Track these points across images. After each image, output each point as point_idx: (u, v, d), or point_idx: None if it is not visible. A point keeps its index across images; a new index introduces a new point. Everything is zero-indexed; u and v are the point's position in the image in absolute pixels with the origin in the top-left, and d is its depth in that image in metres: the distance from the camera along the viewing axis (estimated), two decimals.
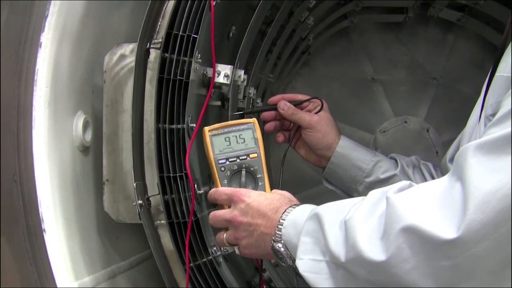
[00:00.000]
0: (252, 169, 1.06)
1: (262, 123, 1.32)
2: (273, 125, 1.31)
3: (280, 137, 1.33)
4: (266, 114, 1.30)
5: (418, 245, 0.71)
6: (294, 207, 0.95)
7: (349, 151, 1.30)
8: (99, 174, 1.26)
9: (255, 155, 1.07)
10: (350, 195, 1.33)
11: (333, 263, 0.83)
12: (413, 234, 0.71)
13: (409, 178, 1.30)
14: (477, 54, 2.28)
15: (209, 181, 1.33)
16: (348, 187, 1.34)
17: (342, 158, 1.30)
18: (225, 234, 1.03)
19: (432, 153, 2.27)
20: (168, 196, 1.19)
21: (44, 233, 1.04)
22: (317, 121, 1.28)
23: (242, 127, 1.09)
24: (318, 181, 1.44)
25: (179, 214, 1.19)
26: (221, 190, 1.03)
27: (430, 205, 0.72)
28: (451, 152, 1.23)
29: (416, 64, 2.33)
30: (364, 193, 1.25)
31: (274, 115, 1.30)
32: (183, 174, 1.18)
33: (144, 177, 1.25)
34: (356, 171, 1.31)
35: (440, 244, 0.69)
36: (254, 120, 1.10)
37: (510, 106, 0.73)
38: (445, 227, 0.69)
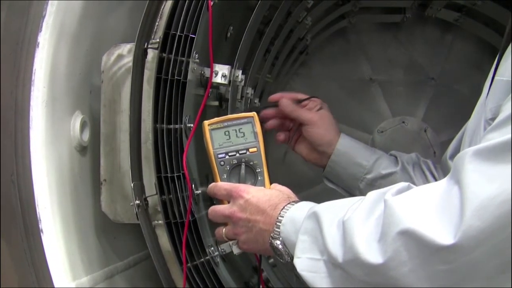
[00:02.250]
0: (251, 163, 1.06)
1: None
2: (274, 123, 1.31)
3: (281, 136, 1.34)
4: (266, 112, 1.30)
5: (415, 249, 0.71)
6: (293, 204, 0.95)
7: (349, 149, 1.31)
8: (97, 174, 1.25)
9: (255, 149, 1.07)
10: (351, 193, 1.34)
11: (331, 262, 0.83)
12: (410, 238, 0.71)
13: (409, 175, 1.31)
14: (475, 54, 2.27)
15: (207, 181, 1.33)
16: (349, 184, 1.34)
17: (343, 155, 1.31)
18: (224, 229, 1.04)
19: (430, 153, 2.26)
20: (166, 196, 1.19)
21: (41, 234, 1.04)
22: (318, 117, 1.29)
23: (242, 121, 1.09)
24: (317, 181, 1.44)
25: (176, 214, 1.19)
26: (221, 185, 1.04)
27: (427, 209, 0.72)
28: (451, 149, 1.23)
29: (414, 65, 2.33)
30: (365, 190, 1.25)
31: (274, 114, 1.30)
32: (181, 174, 1.18)
33: (142, 177, 1.24)
34: (357, 168, 1.31)
35: (437, 249, 0.69)
36: (254, 114, 1.10)
37: (510, 112, 0.72)
38: (442, 232, 0.69)
